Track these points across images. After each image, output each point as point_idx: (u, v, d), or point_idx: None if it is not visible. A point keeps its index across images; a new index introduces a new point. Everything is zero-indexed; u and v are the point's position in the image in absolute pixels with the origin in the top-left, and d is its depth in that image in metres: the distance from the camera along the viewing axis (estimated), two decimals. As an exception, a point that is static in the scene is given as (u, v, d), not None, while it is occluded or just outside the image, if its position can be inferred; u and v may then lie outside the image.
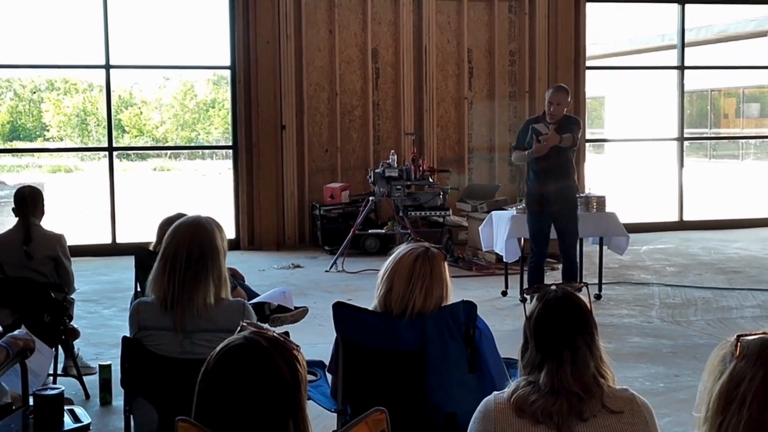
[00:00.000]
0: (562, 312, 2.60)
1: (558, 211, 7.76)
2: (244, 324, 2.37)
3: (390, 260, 3.61)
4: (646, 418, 2.55)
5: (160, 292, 3.59)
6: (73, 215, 16.24)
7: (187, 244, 3.62)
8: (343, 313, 3.66)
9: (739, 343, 1.82)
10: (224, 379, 2.23)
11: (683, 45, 13.88)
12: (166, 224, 5.30)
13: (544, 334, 2.59)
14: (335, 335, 3.72)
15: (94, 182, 21.62)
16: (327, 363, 3.83)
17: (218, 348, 2.28)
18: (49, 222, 6.13)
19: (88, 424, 3.74)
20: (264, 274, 10.08)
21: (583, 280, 8.50)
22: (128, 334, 3.87)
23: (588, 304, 2.67)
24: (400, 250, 3.64)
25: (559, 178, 7.70)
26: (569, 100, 7.91)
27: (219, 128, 29.39)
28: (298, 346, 2.35)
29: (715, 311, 8.25)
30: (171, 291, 3.56)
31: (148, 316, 3.63)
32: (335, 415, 3.77)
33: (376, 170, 10.80)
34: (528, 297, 2.71)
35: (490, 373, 3.53)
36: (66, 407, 3.75)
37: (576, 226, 7.85)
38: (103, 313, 8.38)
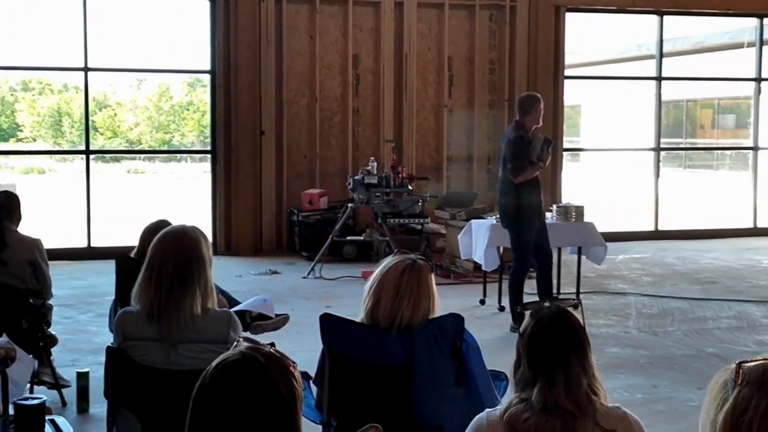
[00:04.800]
0: (556, 329, 2.60)
1: (541, 221, 7.91)
2: (240, 339, 2.35)
3: (376, 273, 3.60)
4: (638, 436, 2.56)
5: (146, 303, 3.56)
6: (46, 217, 16.08)
7: (172, 254, 3.59)
8: (330, 325, 3.64)
9: (740, 370, 1.82)
10: (220, 395, 2.21)
11: (661, 56, 13.97)
12: (149, 232, 5.26)
13: (537, 352, 2.59)
14: (314, 343, 3.71)
15: (68, 184, 21.48)
16: (310, 373, 3.82)
17: (214, 363, 2.26)
18: (21, 224, 6.05)
19: (70, 435, 3.70)
20: (241, 280, 10.04)
21: (560, 290, 8.58)
22: (110, 341, 3.84)
23: (581, 321, 2.67)
24: (387, 262, 3.62)
25: (540, 189, 7.86)
26: None
27: (194, 131, 29.28)
28: (294, 362, 2.33)
29: (691, 322, 8.30)
30: (157, 301, 3.53)
31: (134, 327, 3.59)
32: (320, 426, 3.76)
33: (356, 177, 10.79)
34: (521, 313, 2.71)
35: (477, 387, 3.53)
36: (47, 417, 3.72)
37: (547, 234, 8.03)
38: (79, 318, 8.31)
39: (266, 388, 2.21)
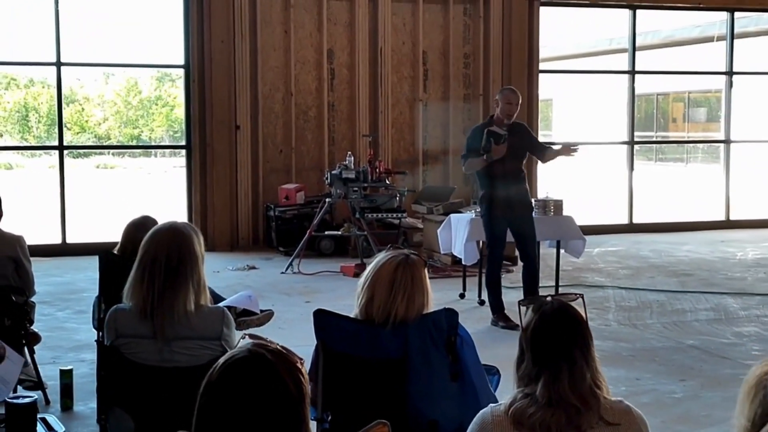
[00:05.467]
0: (559, 324, 2.61)
1: (518, 216, 7.75)
2: (245, 336, 2.34)
3: (370, 268, 3.59)
4: (642, 430, 2.57)
5: (139, 300, 3.53)
6: (18, 214, 15.92)
7: (165, 251, 3.57)
8: (324, 320, 3.63)
9: None
10: (228, 392, 2.19)
11: (634, 49, 14.06)
12: (132, 227, 5.22)
13: (540, 347, 2.59)
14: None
15: (38, 180, 21.28)
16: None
17: (221, 361, 2.24)
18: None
19: (62, 433, 3.68)
20: (219, 275, 9.98)
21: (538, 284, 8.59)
22: (92, 338, 3.82)
23: (584, 315, 2.68)
24: (380, 258, 3.62)
25: (517, 182, 7.72)
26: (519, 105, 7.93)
27: (162, 126, 29.09)
28: (301, 359, 2.33)
29: (670, 314, 8.37)
30: (150, 298, 3.50)
31: (126, 324, 3.56)
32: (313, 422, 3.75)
33: (333, 171, 10.76)
34: (523, 308, 2.71)
35: (471, 381, 3.53)
36: (38, 415, 3.69)
37: (534, 229, 7.89)
38: (57, 315, 8.24)
39: (275, 385, 2.20)
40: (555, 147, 8.16)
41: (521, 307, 2.71)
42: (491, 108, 12.75)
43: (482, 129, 7.72)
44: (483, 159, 7.59)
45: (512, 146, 7.61)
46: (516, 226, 7.81)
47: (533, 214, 8.00)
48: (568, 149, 7.88)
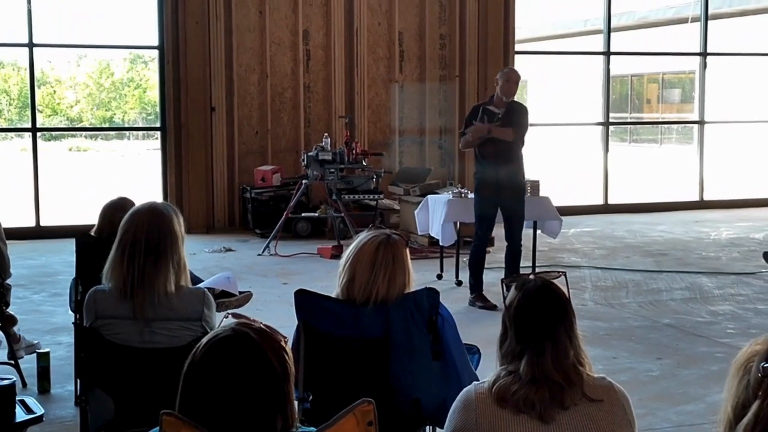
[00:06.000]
0: (542, 302, 2.61)
1: (507, 196, 7.72)
2: (229, 315, 2.33)
3: (351, 248, 3.58)
4: (624, 406, 2.58)
5: (119, 281, 3.50)
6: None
7: (145, 231, 3.54)
8: (305, 300, 3.61)
9: (764, 382, 1.79)
10: (212, 371, 2.18)
11: (609, 31, 14.09)
12: (109, 209, 5.18)
13: (524, 324, 2.59)
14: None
15: (9, 162, 21.08)
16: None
17: (205, 340, 2.23)
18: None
19: (41, 415, 3.65)
20: (195, 257, 9.92)
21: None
22: (69, 321, 3.78)
23: (566, 293, 2.68)
24: (361, 237, 3.61)
25: (509, 163, 7.66)
26: (517, 86, 7.86)
27: (135, 108, 28.84)
28: (285, 337, 2.32)
29: (646, 293, 8.42)
30: (130, 279, 3.47)
31: (106, 305, 3.53)
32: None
33: (309, 153, 10.73)
34: (505, 287, 2.71)
35: (453, 360, 3.54)
36: (17, 398, 3.66)
37: (523, 210, 7.87)
38: (32, 298, 8.18)
39: (259, 363, 2.19)
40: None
41: (504, 286, 2.71)
42: (467, 89, 12.81)
43: (480, 107, 7.77)
44: (468, 137, 7.64)
45: (505, 125, 7.59)
46: (504, 206, 7.79)
47: (524, 196, 7.97)
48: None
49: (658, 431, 4.99)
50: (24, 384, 5.57)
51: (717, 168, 15.67)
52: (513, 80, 7.70)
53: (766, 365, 1.81)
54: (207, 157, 11.92)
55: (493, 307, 7.50)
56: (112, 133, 29.46)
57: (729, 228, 12.38)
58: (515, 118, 7.70)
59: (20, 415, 3.56)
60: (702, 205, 14.42)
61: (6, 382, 3.55)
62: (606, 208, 13.95)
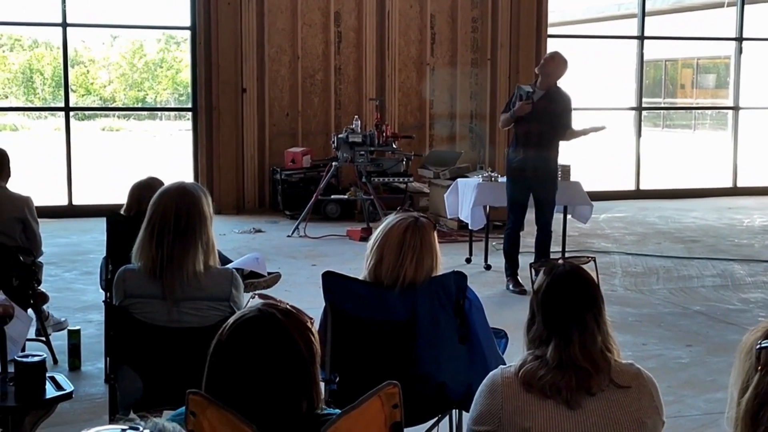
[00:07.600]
0: (570, 287, 2.59)
1: (536, 180, 7.62)
2: (255, 296, 2.33)
3: (379, 231, 3.57)
4: (652, 393, 2.56)
5: (148, 260, 3.52)
6: (24, 175, 15.91)
7: (174, 211, 3.55)
8: (332, 282, 3.62)
9: (761, 354, 1.79)
10: (239, 352, 2.19)
11: (644, 15, 13.95)
12: (137, 188, 5.22)
13: (551, 309, 2.58)
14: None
15: (43, 142, 21.25)
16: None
17: (232, 320, 2.24)
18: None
19: (71, 392, 3.68)
20: (225, 238, 9.96)
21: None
22: (99, 299, 3.81)
23: (595, 278, 2.66)
24: (389, 220, 3.60)
25: (540, 147, 7.55)
26: (561, 70, 7.72)
27: (168, 88, 28.97)
28: (311, 318, 2.32)
29: (676, 280, 8.36)
30: (159, 259, 3.49)
31: (135, 284, 3.55)
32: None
33: (340, 135, 10.72)
34: (534, 271, 2.69)
35: (480, 344, 3.53)
36: (47, 374, 3.69)
37: (554, 196, 7.78)
38: (64, 276, 8.25)
39: (285, 344, 2.19)
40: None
41: (533, 270, 2.69)
42: (498, 73, 12.75)
43: (517, 88, 7.75)
44: (509, 115, 7.60)
45: (539, 108, 7.47)
46: (535, 191, 7.72)
47: (557, 181, 7.87)
48: (595, 129, 7.83)
49: (687, 418, 4.96)
50: (55, 361, 5.63)
51: (751, 154, 15.49)
52: (550, 62, 7.62)
53: (764, 342, 1.82)
54: (238, 138, 11.95)
55: (524, 292, 7.47)
56: (145, 113, 29.64)
57: (762, 215, 12.25)
58: (551, 105, 7.57)
59: (50, 392, 3.59)
60: (735, 191, 14.28)
61: (37, 358, 3.58)
62: (638, 194, 13.85)
